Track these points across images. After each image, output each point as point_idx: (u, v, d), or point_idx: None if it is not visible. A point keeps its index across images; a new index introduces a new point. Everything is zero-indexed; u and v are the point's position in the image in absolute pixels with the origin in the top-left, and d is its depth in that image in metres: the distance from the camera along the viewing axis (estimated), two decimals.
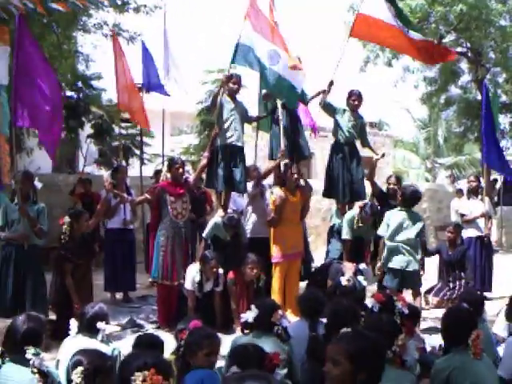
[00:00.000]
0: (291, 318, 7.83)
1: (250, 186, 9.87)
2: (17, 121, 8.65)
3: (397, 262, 8.99)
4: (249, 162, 10.45)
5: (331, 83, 10.11)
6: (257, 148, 11.61)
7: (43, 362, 4.40)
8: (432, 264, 11.70)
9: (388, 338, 4.53)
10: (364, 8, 10.27)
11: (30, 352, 4.41)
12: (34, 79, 8.56)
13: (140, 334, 6.05)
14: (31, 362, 4.35)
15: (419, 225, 9.09)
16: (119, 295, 11.04)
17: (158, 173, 12.55)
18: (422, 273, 9.63)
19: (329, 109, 10.29)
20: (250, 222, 9.89)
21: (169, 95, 14.35)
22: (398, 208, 9.22)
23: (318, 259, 11.56)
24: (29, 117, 8.65)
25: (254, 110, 10.78)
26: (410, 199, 9.18)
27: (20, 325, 4.72)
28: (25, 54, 8.49)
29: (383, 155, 10.70)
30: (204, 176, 10.00)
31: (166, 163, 10.44)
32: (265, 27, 9.41)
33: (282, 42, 9.34)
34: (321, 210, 17.65)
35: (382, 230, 9.21)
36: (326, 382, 3.53)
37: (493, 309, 8.40)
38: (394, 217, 9.14)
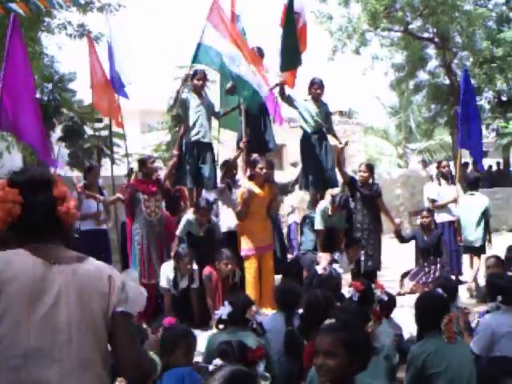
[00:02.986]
0: (268, 312, 7.83)
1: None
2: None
3: (466, 241, 10.88)
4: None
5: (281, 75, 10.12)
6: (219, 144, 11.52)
7: None
8: (408, 250, 11.72)
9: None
10: None
11: None
12: (20, 82, 8.40)
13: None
14: None
15: (483, 205, 10.87)
16: None
17: (131, 171, 12.52)
18: (489, 245, 11.01)
19: (288, 100, 10.30)
20: (221, 216, 9.89)
21: (128, 98, 14.29)
22: (469, 192, 11.18)
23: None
24: (11, 122, 8.49)
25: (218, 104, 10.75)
26: (472, 183, 11.30)
27: None
28: (15, 57, 8.33)
29: (347, 143, 10.76)
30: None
31: (136, 162, 10.38)
32: (225, 31, 9.41)
33: (243, 47, 9.36)
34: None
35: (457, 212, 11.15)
36: (320, 376, 3.47)
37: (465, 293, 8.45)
38: (465, 200, 11.11)
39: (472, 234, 10.82)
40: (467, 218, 10.89)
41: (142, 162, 9.48)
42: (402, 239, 11.10)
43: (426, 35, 23.28)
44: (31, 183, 2.79)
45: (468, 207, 10.93)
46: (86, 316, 2.69)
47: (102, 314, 2.74)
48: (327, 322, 3.72)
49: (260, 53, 10.24)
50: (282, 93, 10.22)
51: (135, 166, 11.14)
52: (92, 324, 2.70)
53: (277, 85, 10.34)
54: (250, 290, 8.89)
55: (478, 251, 10.83)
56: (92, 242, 10.73)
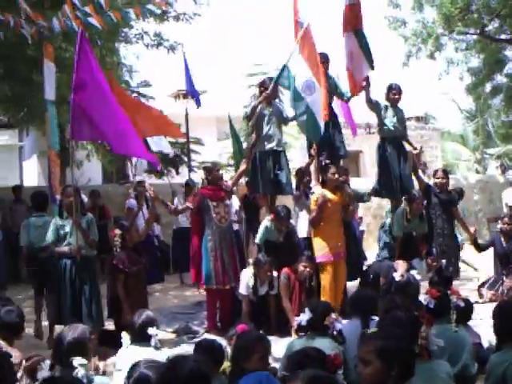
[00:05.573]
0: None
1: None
2: (74, 135, 8.70)
3: None
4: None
5: (367, 78, 9.93)
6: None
7: (86, 373, 4.50)
8: (488, 257, 11.53)
9: (410, 333, 4.50)
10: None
11: (75, 363, 4.51)
12: (96, 94, 8.50)
13: (200, 339, 6.10)
14: (74, 374, 4.44)
15: None
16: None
17: (187, 184, 13.36)
18: None
19: (375, 106, 10.15)
20: (298, 222, 9.93)
21: (198, 106, 14.79)
22: None
23: (371, 257, 11.51)
24: (91, 130, 8.49)
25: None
26: None
27: (65, 336, 4.94)
28: (86, 69, 8.39)
29: (421, 148, 10.65)
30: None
31: (203, 171, 10.54)
32: (311, 55, 9.38)
33: (321, 76, 9.35)
34: (371, 207, 17.59)
35: None
36: (361, 383, 3.59)
37: None
38: None
39: None
40: None
41: (209, 170, 9.63)
42: (480, 248, 10.93)
43: (503, 37, 22.79)
44: None
45: None
46: None
47: None
48: (369, 331, 3.80)
49: (326, 58, 10.15)
50: (368, 98, 10.08)
51: (194, 176, 11.35)
52: None
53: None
54: (326, 297, 8.87)
55: None
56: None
